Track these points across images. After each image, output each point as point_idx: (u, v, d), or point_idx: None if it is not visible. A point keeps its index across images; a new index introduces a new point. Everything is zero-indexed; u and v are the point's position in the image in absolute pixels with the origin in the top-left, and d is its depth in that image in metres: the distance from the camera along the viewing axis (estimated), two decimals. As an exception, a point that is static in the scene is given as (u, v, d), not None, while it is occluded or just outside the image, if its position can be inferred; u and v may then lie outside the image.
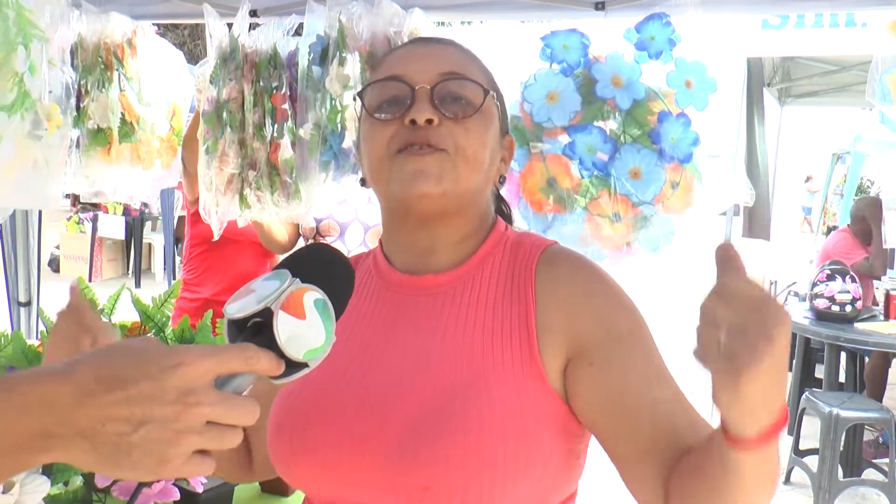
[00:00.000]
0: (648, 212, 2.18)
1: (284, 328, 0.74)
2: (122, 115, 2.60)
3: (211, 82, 2.47)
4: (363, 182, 1.12)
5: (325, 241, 3.10)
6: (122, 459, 0.67)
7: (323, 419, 1.01)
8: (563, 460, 0.99)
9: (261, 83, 2.45)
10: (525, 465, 0.93)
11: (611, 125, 2.19)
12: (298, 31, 2.51)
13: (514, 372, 0.96)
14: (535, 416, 0.95)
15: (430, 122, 1.00)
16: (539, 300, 1.00)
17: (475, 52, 1.13)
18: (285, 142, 2.48)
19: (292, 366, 0.76)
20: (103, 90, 2.55)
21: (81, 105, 2.55)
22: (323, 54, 2.33)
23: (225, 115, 2.46)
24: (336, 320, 0.80)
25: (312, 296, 0.78)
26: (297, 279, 0.78)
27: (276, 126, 2.49)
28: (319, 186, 2.35)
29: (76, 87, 2.55)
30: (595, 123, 2.18)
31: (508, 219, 1.20)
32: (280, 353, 0.74)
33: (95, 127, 2.56)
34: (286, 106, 2.45)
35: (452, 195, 1.02)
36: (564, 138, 2.21)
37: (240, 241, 3.20)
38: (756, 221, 6.97)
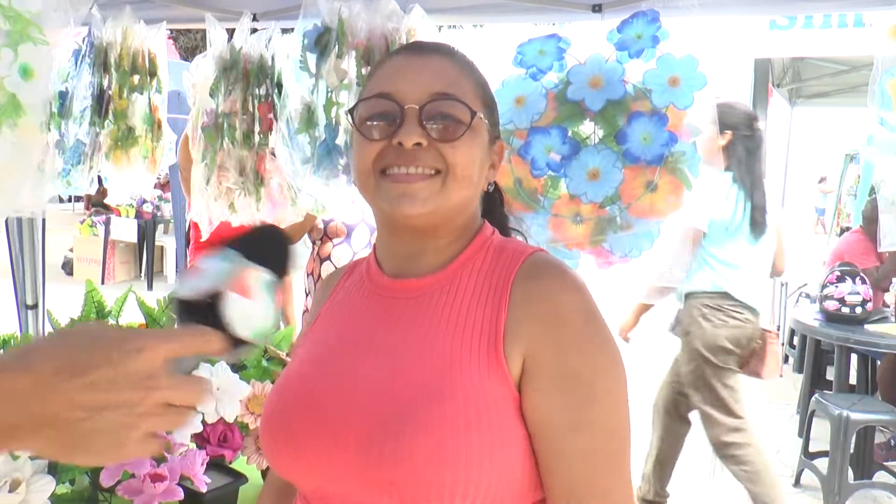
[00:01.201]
0: (615, 213, 2.18)
1: (233, 309, 0.76)
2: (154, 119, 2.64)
3: (211, 95, 2.49)
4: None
5: (332, 242, 3.17)
6: (85, 445, 0.68)
7: (304, 413, 1.05)
8: (534, 460, 1.00)
9: (250, 91, 2.46)
10: (491, 463, 0.95)
11: (587, 127, 2.20)
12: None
13: (479, 372, 0.98)
14: (500, 416, 0.97)
15: (418, 144, 1.02)
16: (511, 307, 1.01)
17: (471, 58, 1.14)
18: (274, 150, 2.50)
19: (241, 344, 0.78)
20: (143, 93, 2.58)
21: (110, 108, 2.57)
22: (318, 41, 2.32)
23: (225, 127, 2.48)
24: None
25: (261, 276, 0.79)
26: (245, 259, 0.79)
27: (261, 136, 2.51)
28: (309, 177, 2.35)
29: (96, 89, 2.57)
30: (566, 126, 2.20)
31: (500, 217, 1.22)
32: (229, 333, 0.76)
33: (126, 129, 2.58)
34: (272, 115, 2.47)
35: (440, 212, 1.05)
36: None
37: None
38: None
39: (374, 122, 1.06)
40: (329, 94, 2.33)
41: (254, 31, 2.55)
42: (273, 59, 2.48)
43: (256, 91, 2.49)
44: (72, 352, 0.69)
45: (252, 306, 0.77)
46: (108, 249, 10.40)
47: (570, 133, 2.20)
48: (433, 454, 0.93)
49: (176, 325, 0.79)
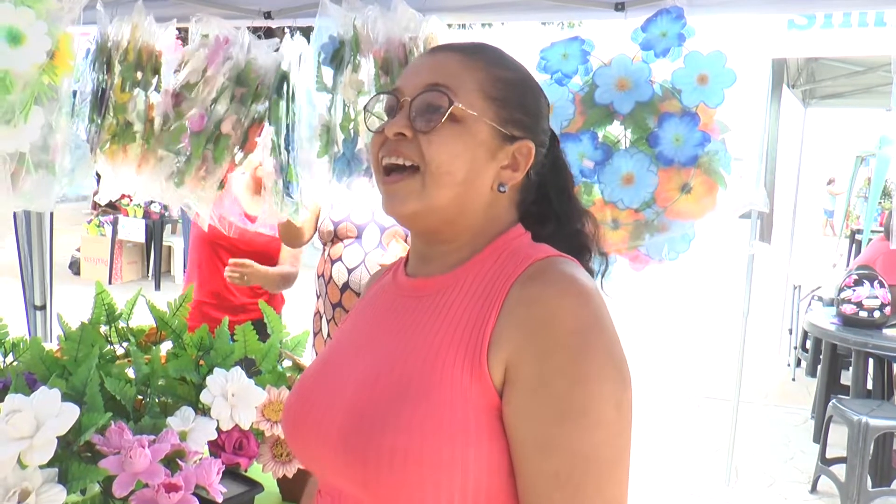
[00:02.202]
0: (651, 217, 2.13)
1: None
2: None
3: (214, 102, 2.45)
4: None
5: (342, 243, 3.13)
6: None
7: (307, 409, 1.07)
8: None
9: (248, 106, 2.44)
10: (476, 469, 0.92)
11: (616, 130, 2.16)
12: (308, 34, 2.48)
13: (461, 375, 0.94)
14: (481, 422, 0.92)
15: (402, 135, 1.02)
16: (504, 310, 0.95)
17: (505, 57, 1.10)
18: (265, 156, 2.46)
19: None
20: (148, 91, 2.54)
21: (109, 102, 2.52)
22: (334, 56, 2.30)
23: (215, 143, 2.45)
24: None
25: None
26: None
27: (243, 156, 2.50)
28: (325, 188, 2.33)
29: (96, 85, 2.53)
30: (595, 130, 2.15)
31: (542, 220, 1.11)
32: None
33: (124, 123, 2.53)
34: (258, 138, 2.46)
35: (425, 213, 1.03)
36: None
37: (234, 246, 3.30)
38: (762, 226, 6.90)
39: (377, 117, 1.11)
40: (346, 108, 2.31)
41: (268, 30, 2.51)
42: (284, 74, 2.44)
43: (255, 107, 2.46)
44: None
45: None
46: (116, 249, 10.40)
47: (600, 138, 2.15)
48: (409, 455, 0.91)
49: None
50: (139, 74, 2.48)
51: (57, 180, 1.90)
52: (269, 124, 2.48)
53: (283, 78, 2.49)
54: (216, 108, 2.43)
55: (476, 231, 1.06)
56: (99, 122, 2.50)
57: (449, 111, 1.01)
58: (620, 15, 2.21)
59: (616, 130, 2.15)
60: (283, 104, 2.47)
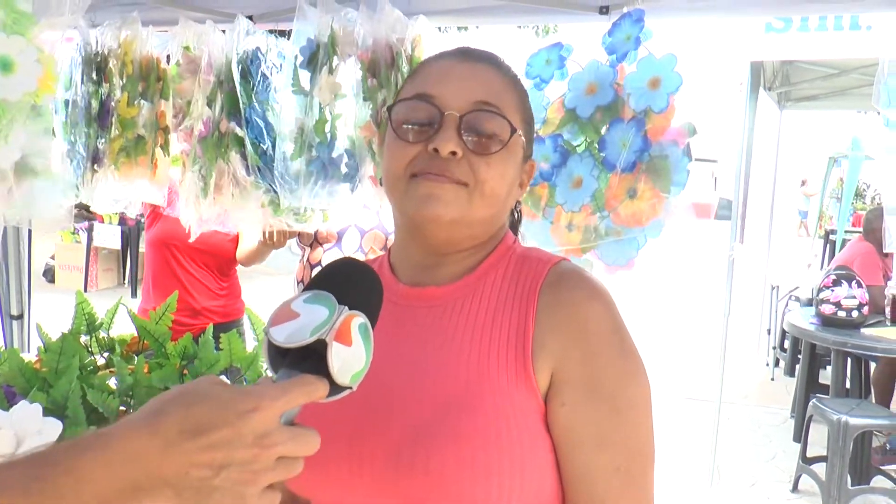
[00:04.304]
0: (601, 221, 2.16)
1: (337, 358, 0.77)
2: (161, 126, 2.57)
3: (209, 105, 2.41)
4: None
5: (322, 248, 3.10)
6: (204, 502, 0.71)
7: (324, 427, 1.01)
8: (557, 471, 0.98)
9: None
10: (521, 475, 0.93)
11: (578, 134, 2.21)
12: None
13: (507, 383, 0.95)
14: (528, 427, 0.95)
15: (453, 153, 0.99)
16: (539, 317, 0.98)
17: (513, 70, 1.10)
18: (235, 159, 2.41)
19: (340, 389, 0.79)
20: (152, 101, 2.50)
21: (113, 117, 2.48)
22: (311, 59, 2.27)
23: (223, 145, 2.40)
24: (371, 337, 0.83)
25: (358, 321, 0.80)
26: (345, 307, 0.80)
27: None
28: (305, 195, 2.29)
29: (88, 97, 2.49)
30: (561, 133, 2.20)
31: (516, 224, 1.21)
32: (331, 380, 0.78)
33: (135, 138, 2.49)
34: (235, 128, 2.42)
35: (462, 224, 1.02)
36: None
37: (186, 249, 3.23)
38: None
39: (412, 126, 1.02)
40: (322, 110, 2.27)
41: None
42: (259, 73, 2.40)
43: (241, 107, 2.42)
44: (196, 414, 0.72)
45: (352, 353, 0.79)
46: (91, 256, 10.26)
47: (561, 141, 2.19)
48: (463, 465, 0.91)
49: (270, 370, 0.81)
50: (142, 86, 2.45)
51: (60, 191, 1.88)
52: (234, 119, 2.41)
53: (240, 65, 2.43)
54: (214, 111, 2.40)
55: (485, 240, 1.07)
56: (103, 136, 2.46)
57: (511, 138, 1.02)
58: (605, 18, 2.21)
59: (576, 134, 2.18)
60: (243, 94, 2.40)
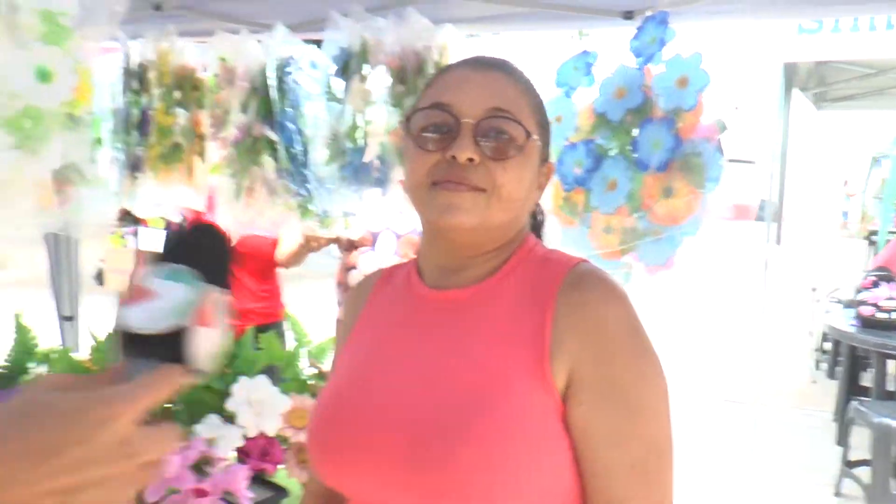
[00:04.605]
0: (638, 221, 2.18)
1: (199, 343, 0.69)
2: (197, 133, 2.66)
3: (243, 110, 2.49)
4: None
5: (358, 251, 3.18)
6: None
7: (346, 422, 1.07)
8: (576, 469, 1.00)
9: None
10: (538, 473, 0.96)
11: (609, 138, 2.24)
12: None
13: (525, 383, 0.98)
14: (545, 426, 0.97)
15: (470, 160, 1.02)
16: (557, 318, 1.00)
17: (528, 75, 1.13)
18: (268, 163, 2.49)
19: (197, 373, 0.70)
20: (189, 110, 2.59)
21: (151, 125, 2.59)
22: (344, 67, 2.34)
23: (256, 149, 2.48)
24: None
25: (217, 299, 0.72)
26: (204, 285, 0.71)
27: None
28: (338, 199, 2.36)
29: (129, 106, 2.60)
30: (593, 138, 2.23)
31: (539, 227, 1.23)
32: (190, 366, 0.69)
33: (171, 145, 2.59)
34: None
35: (483, 229, 1.05)
36: None
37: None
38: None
39: (430, 134, 1.05)
40: (353, 117, 2.34)
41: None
42: (292, 81, 2.48)
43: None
44: (34, 434, 0.61)
45: (213, 335, 0.71)
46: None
47: (594, 146, 2.22)
48: (481, 462, 0.93)
49: (123, 359, 0.69)
50: (179, 94, 2.54)
51: (104, 198, 1.95)
52: (266, 124, 2.49)
53: (275, 72, 2.50)
54: (249, 116, 2.49)
55: (505, 242, 1.10)
56: (143, 143, 2.56)
57: (526, 142, 1.05)
58: (629, 23, 2.25)
59: (610, 140, 2.21)
60: (277, 100, 2.49)
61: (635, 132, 2.18)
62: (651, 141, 2.13)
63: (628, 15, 2.25)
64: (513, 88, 1.08)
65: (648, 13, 2.20)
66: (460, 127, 1.03)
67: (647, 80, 2.19)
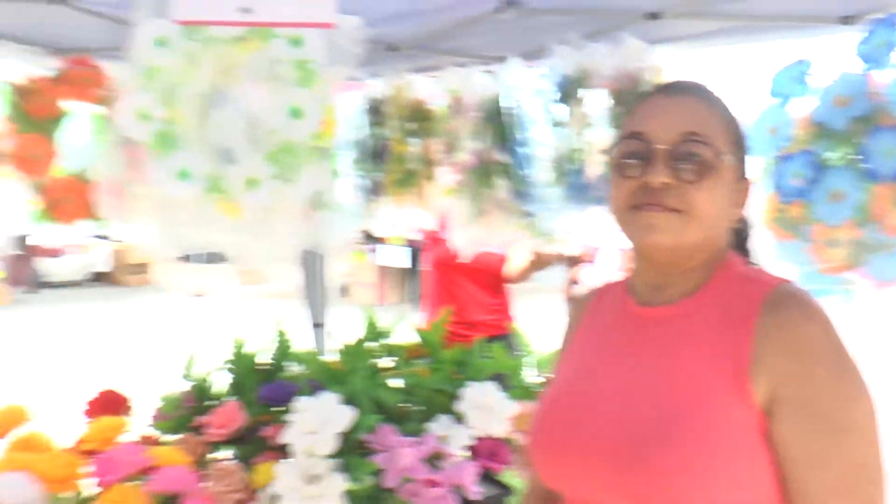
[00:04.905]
0: (869, 235, 2.07)
1: None
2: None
3: (476, 138, 2.68)
4: None
5: (580, 266, 3.30)
6: None
7: (568, 427, 1.15)
8: (778, 484, 1.04)
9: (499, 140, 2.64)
10: (736, 483, 1.01)
11: (832, 148, 2.15)
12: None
13: (724, 397, 1.03)
14: (745, 440, 1.02)
15: (664, 184, 1.08)
16: (758, 335, 1.04)
17: (721, 96, 1.18)
18: (501, 186, 2.65)
19: None
20: (421, 139, 2.87)
21: (387, 153, 2.90)
22: (566, 94, 2.47)
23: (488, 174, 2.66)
24: None
25: None
26: None
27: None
28: (563, 218, 2.48)
29: (369, 137, 2.91)
30: (811, 149, 2.16)
31: (744, 242, 1.26)
32: None
33: (405, 172, 2.90)
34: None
35: (680, 248, 1.11)
36: None
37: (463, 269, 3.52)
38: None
39: (627, 161, 1.13)
40: (575, 139, 2.46)
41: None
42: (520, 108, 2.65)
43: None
44: None
45: None
46: (381, 275, 11.39)
47: (814, 156, 2.16)
48: (680, 467, 1.00)
49: None
50: (412, 125, 2.82)
51: (345, 220, 2.20)
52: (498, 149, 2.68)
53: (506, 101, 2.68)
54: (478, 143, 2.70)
55: (705, 260, 1.15)
56: (381, 170, 2.86)
57: (718, 163, 1.09)
58: (848, 28, 2.16)
59: (832, 150, 2.14)
60: (508, 127, 2.65)
61: (862, 141, 2.10)
62: (882, 150, 2.03)
63: (846, 20, 2.16)
64: (702, 110, 1.13)
65: (871, 16, 2.11)
66: (654, 153, 1.09)
67: (872, 87, 2.11)
